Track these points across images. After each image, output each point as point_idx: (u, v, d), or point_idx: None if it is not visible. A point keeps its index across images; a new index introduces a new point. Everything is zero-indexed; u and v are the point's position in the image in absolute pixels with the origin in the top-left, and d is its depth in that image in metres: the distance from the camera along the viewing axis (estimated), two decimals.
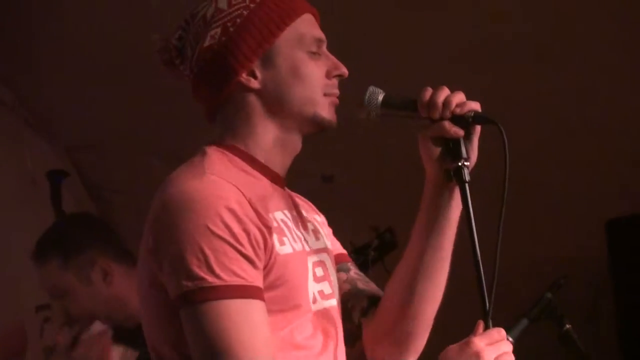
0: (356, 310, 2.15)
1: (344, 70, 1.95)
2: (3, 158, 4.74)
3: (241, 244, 1.74)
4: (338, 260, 2.14)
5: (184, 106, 4.54)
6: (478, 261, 1.79)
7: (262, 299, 1.79)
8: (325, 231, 2.14)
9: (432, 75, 2.47)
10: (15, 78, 4.82)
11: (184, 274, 1.72)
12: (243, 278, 1.75)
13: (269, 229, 1.81)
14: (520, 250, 4.14)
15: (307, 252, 1.97)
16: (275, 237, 1.84)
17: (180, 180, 1.79)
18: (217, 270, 1.72)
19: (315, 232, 2.06)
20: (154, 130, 4.94)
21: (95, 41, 4.51)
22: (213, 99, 1.95)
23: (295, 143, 1.97)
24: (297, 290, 1.91)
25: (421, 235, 1.99)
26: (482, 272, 1.79)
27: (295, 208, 2.01)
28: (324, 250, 2.05)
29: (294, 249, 1.90)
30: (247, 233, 1.76)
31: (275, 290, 1.85)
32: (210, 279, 1.72)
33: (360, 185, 4.87)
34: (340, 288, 2.08)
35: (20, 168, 4.82)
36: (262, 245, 1.80)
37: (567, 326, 3.00)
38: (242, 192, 1.79)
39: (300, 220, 2.00)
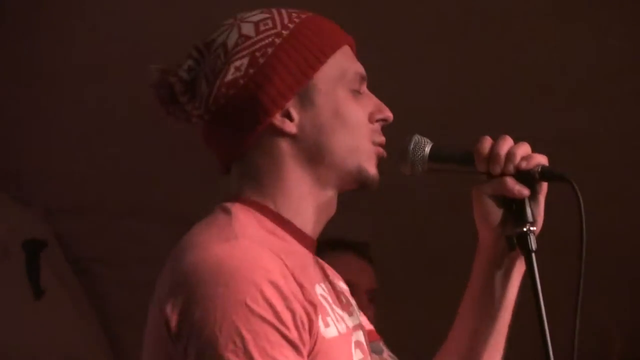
0: None
1: (389, 114, 1.81)
2: None
3: (286, 326, 1.61)
4: (370, 338, 2.04)
5: (181, 163, 4.50)
6: (547, 345, 1.70)
7: None
8: (353, 302, 2.02)
9: None
10: None
11: (199, 346, 1.60)
12: None
13: (314, 307, 1.68)
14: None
15: (349, 334, 1.85)
16: (320, 317, 1.72)
17: (206, 244, 1.62)
18: (257, 357, 1.59)
19: (349, 306, 1.92)
20: (148, 191, 4.76)
21: (75, 95, 4.49)
22: (236, 145, 1.77)
23: (332, 201, 1.82)
24: None
25: (474, 311, 1.88)
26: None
27: (327, 278, 1.89)
28: (359, 326, 1.93)
29: (338, 331, 1.78)
30: (293, 313, 1.63)
31: None
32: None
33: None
34: None
35: None
36: (307, 327, 1.68)
37: None
38: (284, 262, 1.64)
39: (335, 293, 1.87)
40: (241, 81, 1.72)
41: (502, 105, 4.41)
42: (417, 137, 1.79)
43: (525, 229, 1.72)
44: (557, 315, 1.79)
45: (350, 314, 1.90)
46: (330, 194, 1.79)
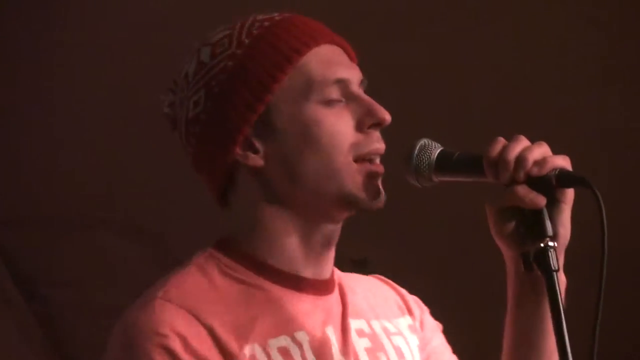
0: None
1: (382, 116, 1.70)
2: None
3: None
4: None
5: (140, 168, 4.39)
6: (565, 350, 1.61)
7: None
8: (410, 337, 1.95)
9: None
10: None
11: None
12: None
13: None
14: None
15: None
16: None
17: (132, 306, 1.71)
18: None
19: (374, 350, 1.85)
20: (104, 197, 4.72)
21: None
22: (213, 188, 1.79)
23: (326, 233, 1.77)
24: None
25: (509, 332, 1.84)
26: None
27: (333, 321, 1.80)
28: None
29: None
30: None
31: None
32: None
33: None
34: None
35: None
36: None
37: None
38: (199, 321, 1.66)
39: (336, 334, 1.80)
40: (202, 116, 1.70)
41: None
42: (424, 141, 1.66)
43: (542, 245, 1.59)
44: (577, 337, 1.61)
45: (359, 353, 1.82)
46: (319, 227, 1.73)
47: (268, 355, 1.65)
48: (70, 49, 4.42)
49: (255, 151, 1.69)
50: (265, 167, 1.70)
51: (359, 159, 1.67)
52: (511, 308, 1.75)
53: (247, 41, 1.71)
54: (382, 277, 1.99)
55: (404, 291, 1.97)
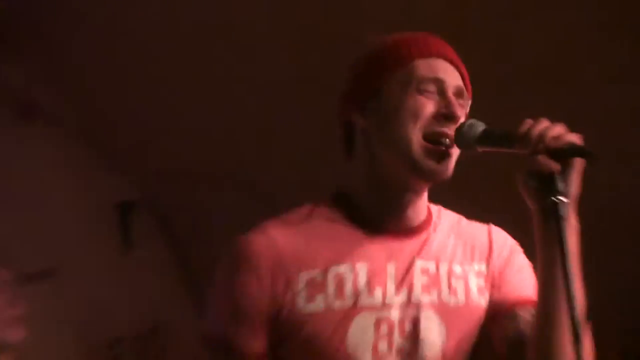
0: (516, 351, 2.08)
1: (451, 110, 1.86)
2: (71, 189, 4.97)
3: (251, 304, 1.86)
4: (510, 306, 2.06)
5: (271, 144, 4.51)
6: (573, 302, 1.72)
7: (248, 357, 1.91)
8: (470, 277, 2.08)
9: None
10: (86, 107, 5.05)
11: (205, 317, 1.95)
12: (241, 337, 1.88)
13: (291, 284, 1.88)
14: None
15: (356, 310, 1.92)
16: (302, 294, 1.88)
17: (244, 234, 1.94)
18: (222, 320, 1.92)
19: (431, 284, 1.99)
20: (234, 162, 4.79)
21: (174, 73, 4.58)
22: (341, 136, 1.98)
23: (405, 200, 1.92)
24: (320, 350, 1.91)
25: (539, 276, 1.96)
26: (577, 312, 1.72)
27: (404, 258, 1.95)
28: (432, 304, 1.97)
29: (324, 308, 1.90)
30: (262, 290, 1.86)
31: (291, 348, 1.92)
32: (215, 329, 1.93)
33: None
34: (499, 333, 2.02)
35: (87, 199, 5.01)
36: (275, 304, 1.88)
37: None
38: (276, 250, 1.88)
39: (398, 270, 1.95)
40: (344, 86, 1.96)
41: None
42: (472, 120, 1.84)
43: (554, 198, 1.77)
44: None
45: (427, 292, 1.94)
46: (399, 193, 1.90)
47: (325, 278, 1.87)
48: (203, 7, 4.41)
49: (365, 117, 1.89)
50: (368, 129, 1.89)
51: (426, 137, 1.83)
52: (537, 249, 1.89)
53: (378, 45, 1.96)
54: (492, 226, 2.09)
55: (499, 239, 2.07)
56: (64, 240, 4.82)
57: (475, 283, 2.02)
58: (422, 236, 1.95)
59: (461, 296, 1.98)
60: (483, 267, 2.04)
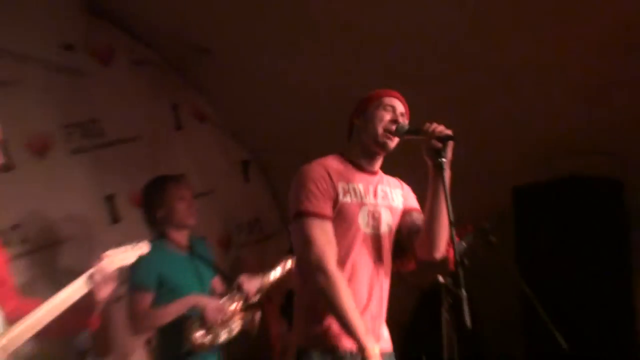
0: (412, 232, 3.24)
1: (396, 119, 3.12)
2: (223, 155, 6.18)
3: (319, 190, 3.00)
4: (409, 211, 3.25)
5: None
6: (449, 207, 2.84)
7: (328, 220, 2.99)
8: (398, 197, 3.21)
9: None
10: (231, 112, 6.06)
11: (296, 203, 3.00)
12: (318, 207, 2.99)
13: (335, 186, 3.01)
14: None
15: (361, 204, 3.08)
16: (340, 192, 3.02)
17: (310, 165, 3.09)
18: (304, 200, 2.99)
19: (382, 196, 3.16)
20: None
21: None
22: (349, 129, 3.27)
23: (374, 158, 3.17)
24: (349, 219, 3.01)
25: (430, 198, 3.06)
26: (451, 211, 2.84)
27: (373, 184, 3.13)
28: (383, 206, 3.13)
29: (351, 201, 3.04)
30: (322, 185, 3.00)
31: (337, 217, 3.00)
32: (300, 206, 2.99)
33: None
34: (405, 223, 3.21)
35: (229, 159, 6.29)
36: (330, 193, 3.02)
37: (493, 239, 3.66)
38: (330, 169, 3.03)
39: (370, 190, 3.12)
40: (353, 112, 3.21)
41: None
42: (402, 123, 3.05)
43: (440, 160, 2.88)
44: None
45: (382, 199, 3.14)
46: (372, 154, 3.12)
47: (348, 187, 3.03)
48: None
49: (360, 120, 3.10)
50: (360, 126, 3.08)
51: (384, 130, 3.03)
52: (429, 185, 2.98)
53: (370, 92, 3.15)
54: (399, 180, 3.29)
55: (403, 183, 3.26)
56: (219, 178, 6.06)
57: (399, 198, 3.23)
58: (377, 176, 3.17)
59: (395, 203, 3.19)
60: (399, 192, 3.27)
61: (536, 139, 5.02)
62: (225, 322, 4.36)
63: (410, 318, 5.57)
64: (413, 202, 3.27)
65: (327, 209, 2.97)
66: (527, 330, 5.11)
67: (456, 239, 2.79)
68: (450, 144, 2.92)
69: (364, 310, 2.98)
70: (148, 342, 4.45)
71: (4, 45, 4.78)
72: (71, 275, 4.22)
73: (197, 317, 4.23)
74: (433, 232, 3.05)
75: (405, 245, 3.21)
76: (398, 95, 3.19)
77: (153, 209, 4.47)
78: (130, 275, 4.19)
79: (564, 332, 3.28)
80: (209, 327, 4.28)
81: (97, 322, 2.98)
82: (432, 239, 3.07)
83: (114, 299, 2.97)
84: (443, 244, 3.09)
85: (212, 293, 4.51)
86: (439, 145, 2.91)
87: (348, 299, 2.87)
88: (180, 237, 4.46)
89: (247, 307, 4.41)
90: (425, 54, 4.76)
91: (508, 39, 4.52)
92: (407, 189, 3.30)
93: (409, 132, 3.04)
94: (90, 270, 2.85)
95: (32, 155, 4.95)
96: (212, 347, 4.32)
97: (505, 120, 4.91)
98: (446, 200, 2.85)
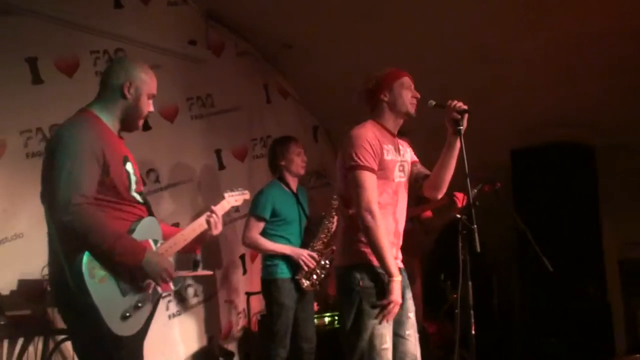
0: (419, 178, 3.18)
1: (417, 95, 3.06)
2: (295, 118, 6.13)
3: (372, 150, 2.92)
4: (414, 162, 3.19)
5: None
6: (464, 162, 2.80)
7: (375, 173, 2.92)
8: (409, 152, 3.14)
9: None
10: (299, 80, 5.95)
11: (352, 157, 2.92)
12: (370, 163, 2.92)
13: (382, 148, 2.93)
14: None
15: (396, 161, 3.01)
16: (385, 152, 2.94)
17: (356, 131, 3.00)
18: (360, 157, 2.91)
19: (403, 153, 3.09)
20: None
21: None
22: (372, 102, 3.11)
23: (398, 124, 3.08)
24: (389, 172, 2.97)
25: (445, 154, 3.01)
26: (467, 165, 2.77)
27: (397, 144, 3.09)
28: (405, 160, 3.09)
29: (391, 158, 2.98)
30: (374, 147, 2.93)
31: (381, 171, 2.93)
32: (357, 161, 2.92)
33: None
34: (412, 171, 3.15)
35: (304, 125, 6.24)
36: (379, 153, 2.92)
37: (498, 185, 3.43)
38: (375, 133, 2.98)
39: (397, 148, 3.08)
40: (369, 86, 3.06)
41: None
42: (431, 101, 2.95)
43: (458, 128, 2.85)
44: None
45: (402, 155, 3.01)
46: (396, 122, 3.06)
47: (387, 148, 2.94)
48: None
49: (385, 96, 2.98)
50: (389, 101, 2.98)
51: (410, 103, 2.97)
52: (446, 146, 2.93)
53: (393, 70, 3.01)
54: (405, 139, 3.12)
55: (406, 142, 3.11)
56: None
57: (409, 154, 3.13)
58: (396, 138, 3.10)
59: (407, 157, 3.11)
60: (408, 149, 3.19)
61: (530, 112, 4.93)
62: (318, 262, 4.39)
63: (432, 248, 5.36)
64: (414, 157, 3.22)
65: (375, 165, 2.91)
66: (521, 256, 5.10)
67: (470, 185, 2.74)
68: (466, 116, 2.86)
69: (393, 236, 2.97)
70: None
71: (150, 41, 4.92)
72: (188, 208, 4.74)
73: (301, 270, 4.31)
74: (441, 178, 3.00)
75: (411, 188, 3.15)
76: (408, 74, 3.11)
77: (277, 159, 4.51)
78: (253, 203, 4.40)
79: (548, 259, 3.20)
80: (308, 271, 4.33)
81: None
82: (439, 182, 3.01)
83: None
84: (445, 188, 3.03)
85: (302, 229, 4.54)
86: (458, 116, 2.85)
87: (383, 237, 2.83)
88: (293, 182, 4.53)
89: (328, 243, 4.43)
90: (447, 42, 4.70)
91: (517, 31, 4.45)
92: (409, 147, 3.22)
93: (436, 105, 2.94)
94: (208, 212, 2.90)
95: (164, 119, 5.07)
96: (317, 285, 4.41)
97: (507, 95, 4.82)
98: (462, 158, 2.81)
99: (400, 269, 2.96)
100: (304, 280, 4.33)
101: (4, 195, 3.98)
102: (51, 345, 3.82)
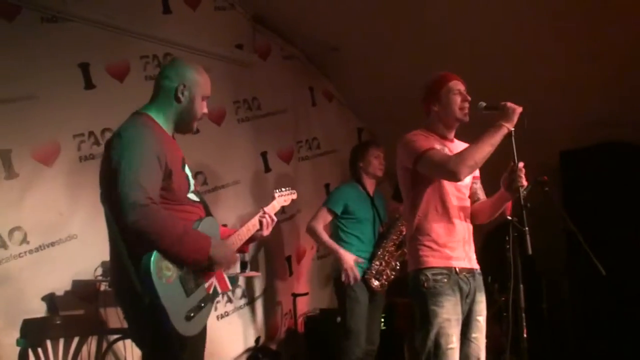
0: (471, 199, 3.20)
1: (468, 98, 3.01)
2: (340, 121, 6.20)
3: (419, 142, 3.00)
4: (475, 179, 3.20)
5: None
6: (515, 159, 2.83)
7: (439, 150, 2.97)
8: None
9: None
10: (349, 94, 6.08)
11: (411, 152, 2.98)
12: (430, 144, 3.01)
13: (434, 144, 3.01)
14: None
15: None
16: (439, 149, 3.00)
17: (407, 135, 3.06)
18: (419, 145, 2.98)
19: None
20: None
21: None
22: (428, 108, 3.16)
23: (451, 130, 3.12)
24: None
25: (496, 201, 3.06)
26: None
27: (449, 148, 3.09)
28: None
29: (445, 153, 3.02)
30: (428, 138, 3.04)
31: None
32: (418, 150, 2.98)
33: None
34: (471, 187, 3.17)
35: (347, 126, 6.28)
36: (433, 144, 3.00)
37: (545, 178, 3.16)
38: (425, 135, 3.07)
39: (451, 151, 3.08)
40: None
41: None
42: (481, 102, 2.91)
43: (511, 129, 2.82)
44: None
45: None
46: (449, 128, 3.08)
47: (442, 148, 2.98)
48: None
49: (435, 106, 3.01)
50: (439, 111, 3.02)
51: (460, 109, 2.96)
52: (497, 195, 2.97)
53: (440, 75, 3.01)
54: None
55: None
56: (340, 141, 5.93)
57: None
58: (454, 143, 3.11)
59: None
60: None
61: (579, 112, 4.82)
62: (388, 263, 4.40)
63: (479, 250, 5.33)
64: (475, 171, 3.17)
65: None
66: (571, 259, 4.97)
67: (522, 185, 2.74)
68: (518, 115, 2.85)
69: (454, 238, 3.00)
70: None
71: (197, 46, 4.99)
72: (235, 210, 4.79)
73: (371, 269, 4.32)
74: (485, 214, 3.05)
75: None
76: (458, 77, 3.09)
77: (356, 160, 4.57)
78: (328, 196, 4.63)
79: (599, 262, 3.11)
80: (378, 271, 4.34)
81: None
82: (483, 217, 3.06)
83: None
84: (486, 222, 3.06)
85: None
86: (521, 183, 2.85)
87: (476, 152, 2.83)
88: (370, 184, 4.55)
89: (400, 245, 4.44)
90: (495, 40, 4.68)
91: (565, 31, 4.41)
92: None
93: (487, 108, 2.90)
94: (261, 213, 2.91)
95: (211, 122, 5.12)
96: (385, 285, 4.40)
97: (555, 96, 4.75)
98: (514, 158, 2.81)
99: (473, 270, 2.99)
100: (373, 280, 4.34)
101: (59, 197, 4.08)
102: (104, 345, 3.89)
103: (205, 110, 2.75)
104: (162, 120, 2.62)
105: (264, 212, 2.90)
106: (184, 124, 2.67)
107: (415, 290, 2.92)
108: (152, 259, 2.31)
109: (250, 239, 2.88)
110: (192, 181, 2.64)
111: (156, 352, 2.42)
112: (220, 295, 4.80)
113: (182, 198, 2.55)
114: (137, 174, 2.32)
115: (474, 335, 2.98)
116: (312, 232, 4.47)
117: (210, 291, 2.58)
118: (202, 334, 2.59)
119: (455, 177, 2.80)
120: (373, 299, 4.36)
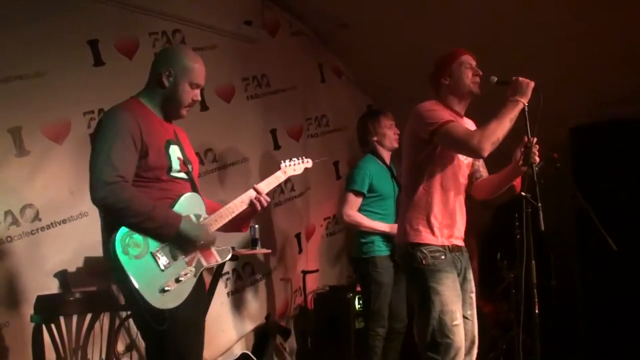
0: (473, 177, 3.20)
1: (480, 72, 3.00)
2: (349, 97, 6.11)
3: (439, 112, 2.90)
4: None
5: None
6: (529, 132, 2.82)
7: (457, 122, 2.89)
8: None
9: None
10: (360, 71, 6.02)
11: (430, 122, 2.89)
12: (448, 117, 2.92)
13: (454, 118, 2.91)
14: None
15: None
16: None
17: (422, 103, 2.98)
18: (437, 116, 2.90)
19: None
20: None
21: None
22: (436, 84, 3.11)
23: (463, 104, 3.07)
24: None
25: (506, 174, 3.03)
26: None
27: (461, 122, 3.03)
28: None
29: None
30: (443, 113, 2.91)
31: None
32: (436, 121, 2.90)
33: None
34: (472, 164, 3.16)
35: (356, 103, 6.18)
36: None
37: (555, 155, 3.23)
38: (442, 106, 3.00)
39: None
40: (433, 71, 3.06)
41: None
42: (493, 77, 2.89)
43: (529, 163, 2.80)
44: None
45: None
46: (462, 101, 3.03)
47: (459, 121, 2.91)
48: None
49: (446, 79, 2.95)
50: (450, 85, 2.95)
51: (472, 82, 2.90)
52: (506, 171, 2.93)
53: (451, 51, 2.97)
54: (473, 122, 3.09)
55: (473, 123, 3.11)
56: (349, 118, 5.57)
57: None
58: (464, 119, 3.07)
59: None
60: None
61: (590, 89, 4.80)
62: None
63: (487, 226, 5.36)
64: None
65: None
66: (581, 236, 4.99)
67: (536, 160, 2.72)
68: (531, 89, 2.82)
69: (449, 217, 2.96)
70: None
71: (206, 22, 4.96)
72: (244, 187, 4.61)
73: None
74: (492, 190, 3.01)
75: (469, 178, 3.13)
76: (469, 52, 3.05)
77: (369, 134, 4.39)
78: (349, 178, 4.32)
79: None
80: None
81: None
82: (490, 192, 3.03)
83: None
84: (492, 198, 3.02)
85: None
86: (534, 159, 2.84)
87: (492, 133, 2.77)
88: (387, 156, 4.40)
89: None
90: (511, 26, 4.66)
91: (578, 7, 4.42)
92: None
93: (499, 82, 2.87)
94: (250, 192, 2.86)
95: (220, 99, 5.09)
96: None
97: (566, 75, 4.69)
98: (527, 135, 2.79)
99: (461, 247, 2.95)
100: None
101: (70, 174, 4.07)
102: (117, 321, 3.90)
103: (197, 97, 2.74)
104: (151, 105, 2.66)
105: (258, 193, 2.85)
106: (169, 110, 2.70)
107: (411, 267, 2.87)
108: (117, 235, 2.41)
109: (247, 217, 2.85)
110: (175, 161, 2.64)
111: (141, 324, 2.53)
112: (230, 272, 4.91)
113: (161, 176, 2.58)
114: (109, 154, 2.41)
115: (469, 312, 2.97)
116: (351, 222, 4.26)
117: (193, 264, 2.59)
118: (199, 309, 2.66)
119: (479, 154, 2.75)
120: (398, 278, 4.23)
